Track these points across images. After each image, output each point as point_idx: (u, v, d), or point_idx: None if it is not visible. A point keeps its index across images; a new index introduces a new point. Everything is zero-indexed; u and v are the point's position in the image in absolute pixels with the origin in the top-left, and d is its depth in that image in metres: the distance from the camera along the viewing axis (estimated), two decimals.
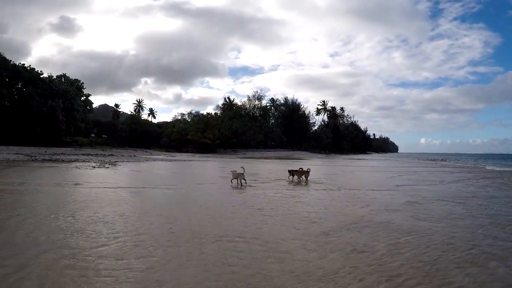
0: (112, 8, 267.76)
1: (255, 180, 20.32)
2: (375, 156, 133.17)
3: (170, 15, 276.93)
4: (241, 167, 18.39)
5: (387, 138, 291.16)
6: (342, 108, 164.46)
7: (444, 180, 24.33)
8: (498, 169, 43.52)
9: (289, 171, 21.35)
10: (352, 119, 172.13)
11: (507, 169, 43.36)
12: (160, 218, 9.55)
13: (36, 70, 71.62)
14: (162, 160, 47.70)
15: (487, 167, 47.63)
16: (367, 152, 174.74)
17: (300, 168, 21.25)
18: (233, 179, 17.86)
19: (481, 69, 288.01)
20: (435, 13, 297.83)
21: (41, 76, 71.69)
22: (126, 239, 7.34)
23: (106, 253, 6.38)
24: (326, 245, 7.29)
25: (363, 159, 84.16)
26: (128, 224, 8.80)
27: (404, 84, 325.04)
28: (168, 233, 8.01)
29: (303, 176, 20.30)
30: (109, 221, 9.06)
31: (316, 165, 47.04)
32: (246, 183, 17.84)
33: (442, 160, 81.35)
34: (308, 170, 20.53)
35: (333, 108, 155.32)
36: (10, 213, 9.57)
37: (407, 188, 18.60)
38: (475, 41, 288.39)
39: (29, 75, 68.35)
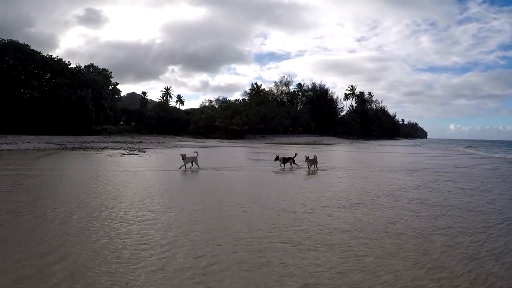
0: None
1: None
2: (404, 142, 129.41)
3: (194, 4, 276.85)
4: (195, 151, 18.46)
5: (416, 124, 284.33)
6: (370, 93, 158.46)
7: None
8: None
9: (280, 159, 19.57)
10: (380, 104, 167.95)
11: None
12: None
13: (64, 61, 71.97)
14: (191, 146, 47.15)
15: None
16: (395, 138, 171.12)
17: (296, 154, 20.13)
18: (185, 163, 17.11)
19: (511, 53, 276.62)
20: None
21: (69, 67, 71.86)
22: None
23: None
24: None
25: (394, 145, 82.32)
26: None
27: (432, 69, 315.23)
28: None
29: (314, 165, 18.71)
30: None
31: (347, 151, 46.31)
32: (198, 167, 17.49)
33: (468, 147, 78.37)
34: (315, 157, 18.93)
35: (361, 93, 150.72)
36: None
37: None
38: (505, 25, 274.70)
39: (58, 66, 68.61)
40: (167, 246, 5.94)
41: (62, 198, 9.73)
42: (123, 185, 12.32)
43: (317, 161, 18.83)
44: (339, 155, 37.69)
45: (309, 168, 18.49)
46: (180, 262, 5.26)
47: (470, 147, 75.25)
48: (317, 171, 18.12)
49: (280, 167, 19.04)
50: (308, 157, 18.68)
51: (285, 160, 19.30)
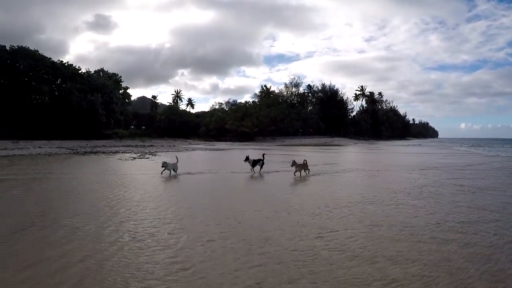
0: (145, 3, 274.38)
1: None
2: (415, 141, 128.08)
3: (202, 7, 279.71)
4: (176, 156, 17.33)
5: (427, 123, 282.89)
6: (380, 93, 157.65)
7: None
8: None
9: (249, 160, 17.08)
10: (391, 104, 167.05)
11: None
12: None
13: (74, 66, 72.27)
14: (202, 149, 46.72)
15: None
16: (406, 138, 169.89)
17: (263, 155, 17.93)
18: (165, 169, 15.89)
19: None
20: None
21: (79, 72, 72.23)
22: None
23: None
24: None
25: (401, 145, 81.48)
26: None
27: (442, 68, 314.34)
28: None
29: (304, 170, 16.10)
30: None
31: (358, 152, 45.86)
32: (176, 172, 16.08)
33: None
34: (305, 161, 16.32)
35: (371, 94, 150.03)
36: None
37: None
38: None
39: (68, 71, 68.91)
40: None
41: (74, 204, 9.29)
42: (138, 189, 11.89)
43: (307, 166, 16.35)
44: (351, 156, 37.19)
45: (296, 174, 15.86)
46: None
47: (473, 146, 75.59)
48: (308, 176, 15.83)
49: (251, 171, 17.00)
50: (295, 161, 16.11)
51: (254, 163, 17.07)
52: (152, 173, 16.37)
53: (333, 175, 16.88)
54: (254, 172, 16.78)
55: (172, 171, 16.04)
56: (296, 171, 15.87)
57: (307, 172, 16.24)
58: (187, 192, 11.70)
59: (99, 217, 7.77)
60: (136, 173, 16.40)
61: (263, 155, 17.96)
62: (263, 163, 17.26)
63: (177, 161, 16.46)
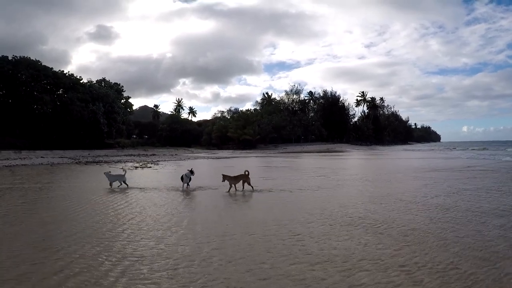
0: (146, 14, 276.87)
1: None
2: (418, 146, 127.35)
3: (203, 17, 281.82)
4: (122, 168, 17.18)
5: (429, 128, 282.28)
6: (381, 99, 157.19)
7: None
8: None
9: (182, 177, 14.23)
10: (392, 109, 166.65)
11: None
12: None
13: (75, 76, 72.52)
14: (204, 157, 46.66)
15: None
16: (408, 142, 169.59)
17: (124, 171, 15.62)
18: (111, 182, 14.68)
19: None
20: None
21: (81, 82, 72.43)
22: None
23: None
24: None
25: (409, 150, 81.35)
26: None
27: (443, 71, 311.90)
28: None
29: (241, 182, 13.57)
30: None
31: (361, 158, 45.56)
32: (127, 186, 14.64)
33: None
34: (246, 173, 13.66)
35: (373, 99, 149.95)
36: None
37: None
38: None
39: (69, 81, 69.06)
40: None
41: (75, 218, 9.17)
42: (142, 203, 11.72)
43: (249, 178, 13.66)
44: (355, 162, 37.01)
45: (230, 188, 13.39)
46: None
47: (454, 148, 79.96)
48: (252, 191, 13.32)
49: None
50: (225, 174, 13.59)
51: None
52: (156, 185, 16.11)
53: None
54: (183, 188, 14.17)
55: (121, 183, 14.80)
56: (231, 184, 13.44)
57: (251, 188, 13.61)
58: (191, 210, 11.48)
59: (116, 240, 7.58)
60: (140, 184, 16.10)
61: (124, 171, 15.62)
62: (181, 179, 14.50)
63: (125, 173, 15.26)
